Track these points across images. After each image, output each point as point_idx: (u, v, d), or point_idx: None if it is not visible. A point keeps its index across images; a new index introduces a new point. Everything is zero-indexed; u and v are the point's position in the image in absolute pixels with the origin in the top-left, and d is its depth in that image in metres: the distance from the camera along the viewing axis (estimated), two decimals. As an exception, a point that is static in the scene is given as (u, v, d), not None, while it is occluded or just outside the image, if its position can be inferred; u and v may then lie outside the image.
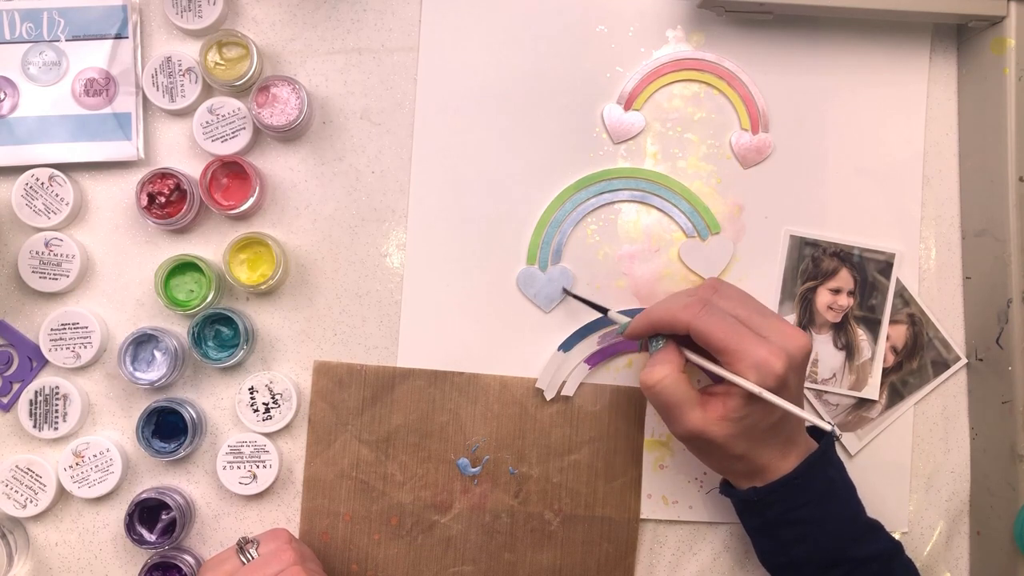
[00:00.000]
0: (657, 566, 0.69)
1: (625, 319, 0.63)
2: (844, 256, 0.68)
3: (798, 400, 0.59)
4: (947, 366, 0.69)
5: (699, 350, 0.60)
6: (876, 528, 0.62)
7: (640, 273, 0.69)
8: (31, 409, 0.66)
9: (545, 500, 0.68)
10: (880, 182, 0.69)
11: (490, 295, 0.69)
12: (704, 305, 0.58)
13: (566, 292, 0.68)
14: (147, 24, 0.68)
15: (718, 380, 0.60)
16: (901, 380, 0.69)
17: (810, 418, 0.57)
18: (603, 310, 0.66)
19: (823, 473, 0.61)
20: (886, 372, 0.69)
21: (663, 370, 0.59)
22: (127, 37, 0.67)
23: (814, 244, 0.69)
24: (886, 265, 0.68)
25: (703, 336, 0.58)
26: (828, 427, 0.57)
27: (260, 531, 0.67)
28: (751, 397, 0.57)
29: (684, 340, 0.60)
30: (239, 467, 0.66)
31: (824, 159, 0.69)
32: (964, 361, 0.69)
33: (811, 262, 0.68)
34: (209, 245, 0.68)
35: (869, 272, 0.68)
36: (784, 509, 0.60)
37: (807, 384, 0.68)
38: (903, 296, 0.69)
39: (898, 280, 0.69)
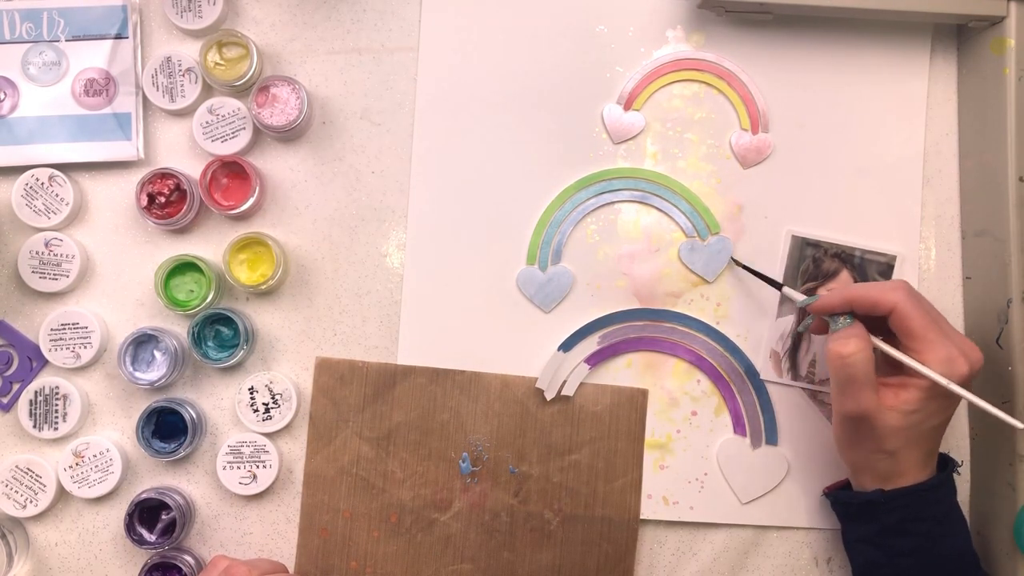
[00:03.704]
0: (657, 567, 0.69)
1: (802, 296, 0.63)
2: (845, 258, 0.68)
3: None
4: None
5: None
6: (978, 564, 0.62)
7: (640, 273, 0.69)
8: (31, 409, 0.66)
9: (545, 500, 0.68)
10: (880, 182, 0.69)
11: (490, 295, 0.68)
12: (911, 291, 0.59)
13: (734, 261, 0.68)
14: (147, 24, 0.68)
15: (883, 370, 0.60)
16: (901, 380, 0.69)
17: (1001, 415, 0.56)
18: (777, 285, 0.65)
19: (950, 494, 0.62)
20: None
21: (857, 344, 0.58)
22: (127, 37, 0.67)
23: (815, 245, 0.68)
24: (887, 267, 0.68)
25: (906, 318, 0.58)
26: (1020, 426, 0.56)
27: (260, 531, 0.68)
28: (929, 392, 0.57)
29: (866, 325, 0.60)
30: (239, 467, 0.66)
31: (824, 159, 0.69)
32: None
33: (812, 263, 0.68)
34: (209, 245, 0.68)
35: (870, 274, 0.68)
36: (904, 517, 0.60)
37: (804, 384, 0.68)
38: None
39: (898, 280, 0.69)
